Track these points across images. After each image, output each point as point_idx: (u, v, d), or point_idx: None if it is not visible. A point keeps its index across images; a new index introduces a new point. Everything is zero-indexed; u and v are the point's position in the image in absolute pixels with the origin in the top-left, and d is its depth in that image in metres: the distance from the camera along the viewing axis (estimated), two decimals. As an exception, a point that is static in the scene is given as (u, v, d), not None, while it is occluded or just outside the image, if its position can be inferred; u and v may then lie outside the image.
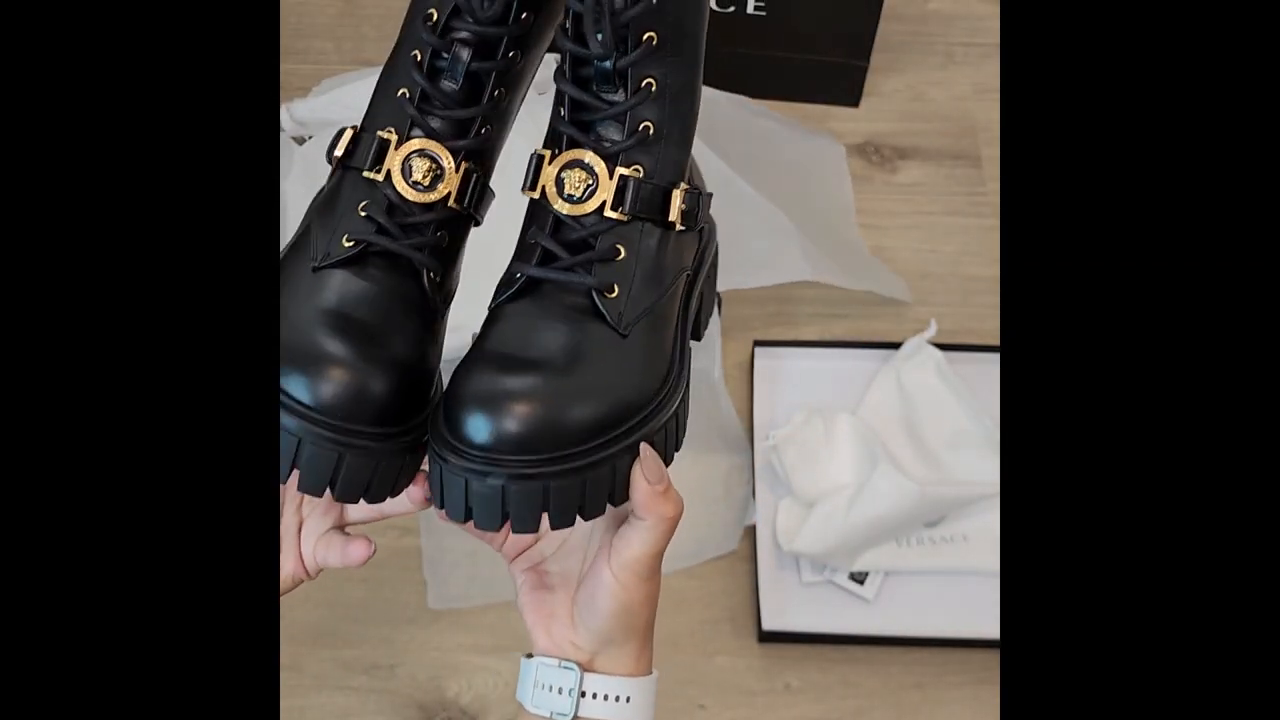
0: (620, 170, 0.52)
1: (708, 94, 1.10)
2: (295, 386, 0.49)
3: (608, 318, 0.51)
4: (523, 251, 0.53)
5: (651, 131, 0.52)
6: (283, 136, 1.04)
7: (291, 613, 0.93)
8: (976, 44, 1.25)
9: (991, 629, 0.91)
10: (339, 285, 0.52)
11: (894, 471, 0.92)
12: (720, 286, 0.98)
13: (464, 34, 0.53)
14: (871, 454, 0.95)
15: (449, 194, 0.54)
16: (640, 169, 0.52)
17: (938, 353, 1.01)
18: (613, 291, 0.51)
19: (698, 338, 0.57)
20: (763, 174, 1.09)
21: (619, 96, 0.52)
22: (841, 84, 1.19)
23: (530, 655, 0.56)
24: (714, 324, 0.98)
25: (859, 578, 0.94)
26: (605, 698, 0.53)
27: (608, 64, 0.50)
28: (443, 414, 0.50)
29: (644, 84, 0.52)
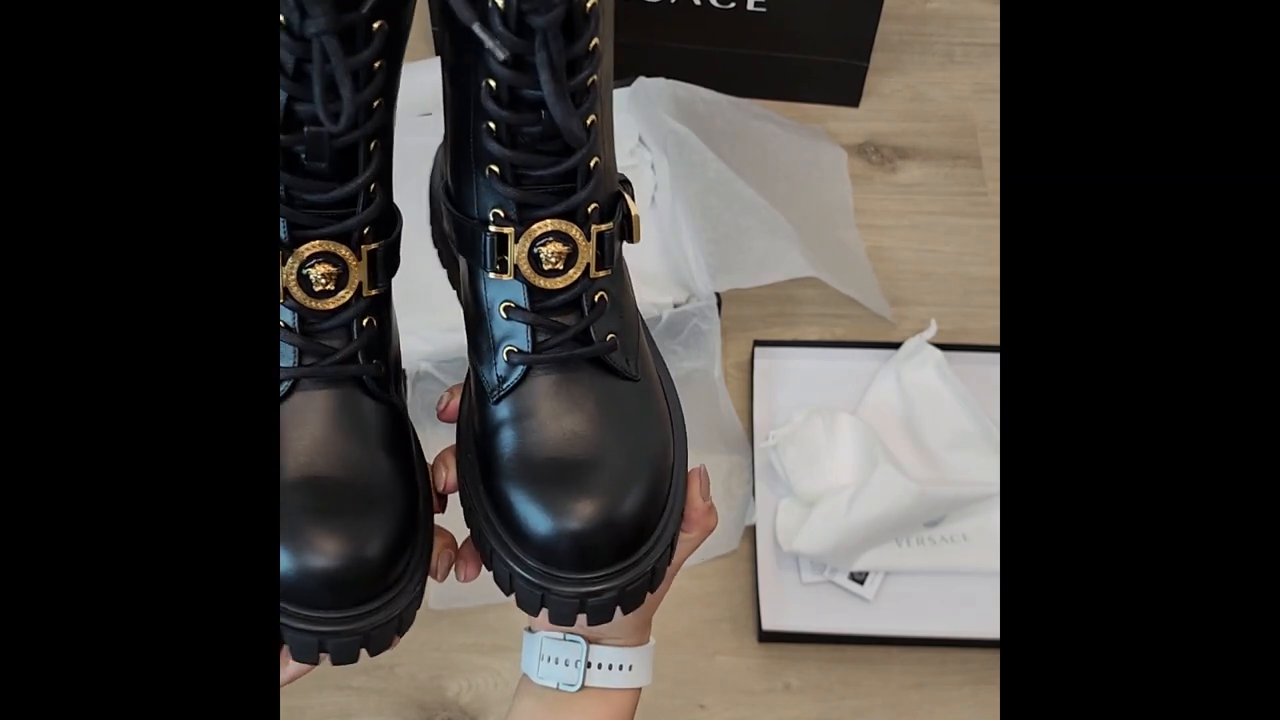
0: (595, 228, 0.47)
1: (709, 96, 1.11)
2: (293, 601, 0.46)
3: (622, 373, 0.48)
4: (505, 331, 0.48)
5: (601, 165, 0.47)
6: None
7: (291, 613, 0.93)
8: (976, 44, 1.25)
9: (992, 629, 0.91)
10: (289, 444, 0.47)
11: (894, 471, 0.92)
12: (720, 286, 0.99)
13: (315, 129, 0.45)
14: (871, 454, 0.95)
15: (359, 284, 0.47)
16: (597, 206, 0.47)
17: (938, 353, 1.01)
18: (616, 347, 0.48)
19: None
20: (762, 176, 1.09)
21: (558, 146, 0.45)
22: (842, 84, 1.19)
23: (530, 629, 0.56)
24: (714, 324, 0.98)
25: (859, 578, 0.94)
26: (610, 667, 0.53)
27: (571, 124, 0.44)
28: (504, 525, 0.47)
29: (590, 124, 0.45)
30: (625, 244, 0.50)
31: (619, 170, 0.50)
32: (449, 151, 0.49)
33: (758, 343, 1.04)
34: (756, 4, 1.11)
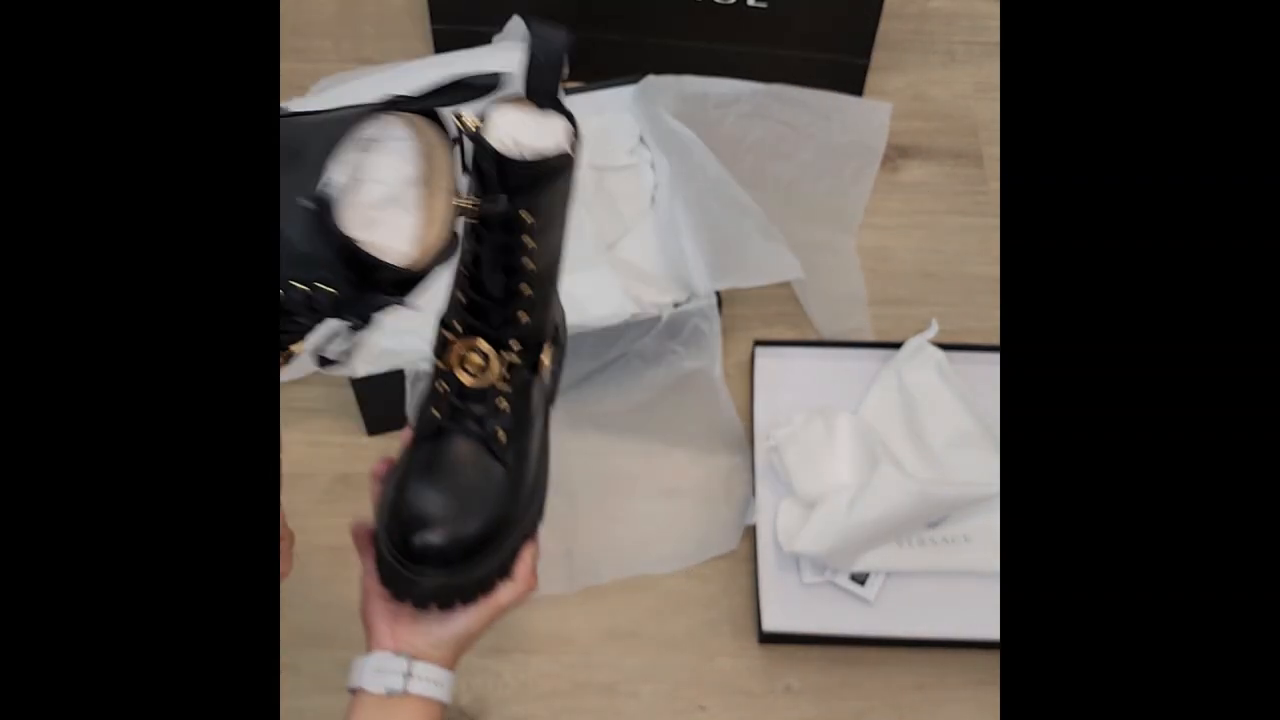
0: (505, 356, 0.65)
1: (729, 89, 1.11)
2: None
3: (498, 457, 0.65)
4: (435, 398, 0.66)
5: (527, 320, 0.65)
6: (282, 136, 1.04)
7: (291, 614, 0.93)
8: (978, 42, 1.25)
9: (993, 630, 0.91)
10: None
11: (895, 472, 0.92)
12: (720, 286, 0.98)
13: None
14: (872, 454, 0.95)
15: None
16: (518, 342, 0.65)
17: (939, 352, 1.01)
18: (499, 439, 0.66)
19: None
20: (761, 181, 1.09)
21: (500, 295, 0.63)
22: (842, 82, 1.18)
23: (364, 656, 0.69)
24: (714, 324, 0.98)
25: (860, 578, 0.94)
26: (426, 680, 0.67)
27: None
28: (390, 529, 0.65)
29: (515, 290, 0.63)
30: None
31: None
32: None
33: (758, 343, 1.03)
34: (757, 1, 1.11)
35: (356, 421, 1.01)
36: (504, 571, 0.67)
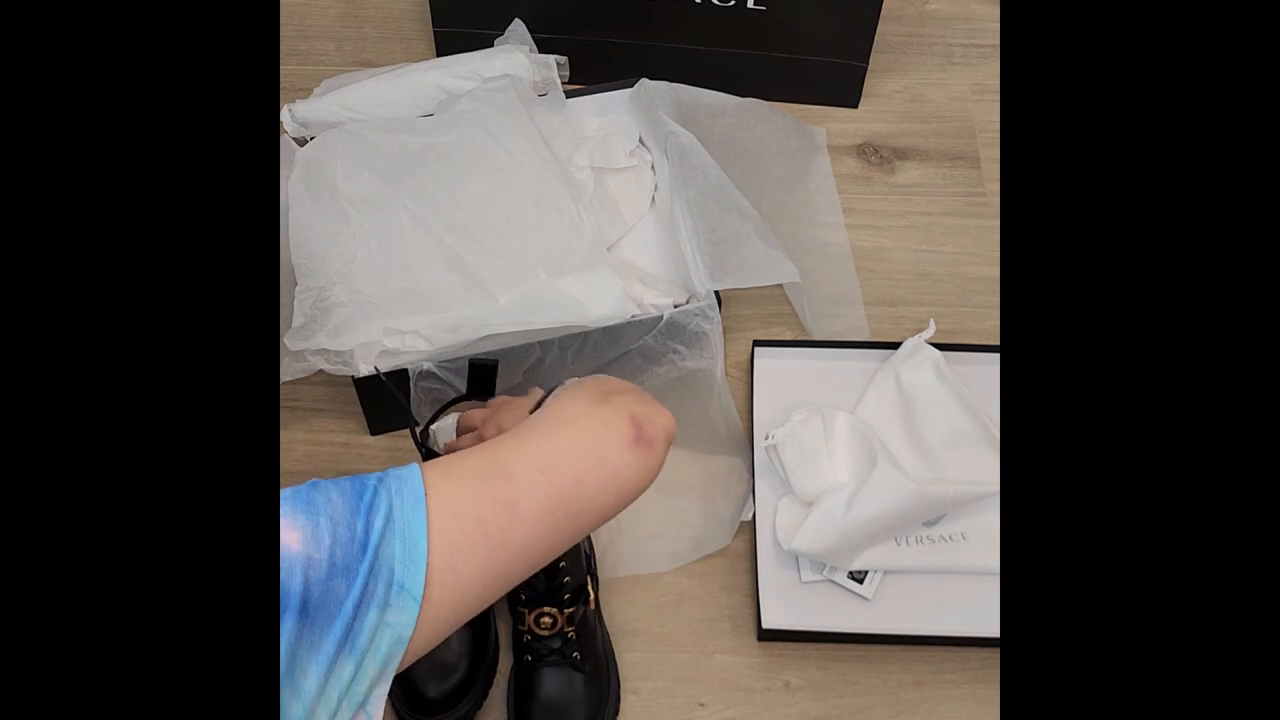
0: (565, 611, 0.89)
1: (713, 98, 1.12)
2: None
3: (584, 672, 0.90)
4: (523, 645, 0.91)
5: (569, 580, 0.89)
6: (284, 138, 1.04)
7: (293, 611, 0.94)
8: (975, 45, 1.25)
9: (989, 627, 0.91)
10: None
11: (892, 470, 0.93)
12: (720, 286, 0.99)
13: None
14: (870, 453, 0.95)
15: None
16: (569, 598, 0.89)
17: (936, 352, 1.01)
18: (583, 660, 0.90)
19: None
20: (756, 183, 1.09)
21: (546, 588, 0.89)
22: (841, 85, 1.19)
23: None
24: (715, 324, 0.98)
25: (858, 576, 0.94)
26: None
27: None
28: None
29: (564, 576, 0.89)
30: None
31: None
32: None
33: (757, 343, 1.04)
34: (756, 4, 1.11)
35: (359, 421, 1.01)
36: None
